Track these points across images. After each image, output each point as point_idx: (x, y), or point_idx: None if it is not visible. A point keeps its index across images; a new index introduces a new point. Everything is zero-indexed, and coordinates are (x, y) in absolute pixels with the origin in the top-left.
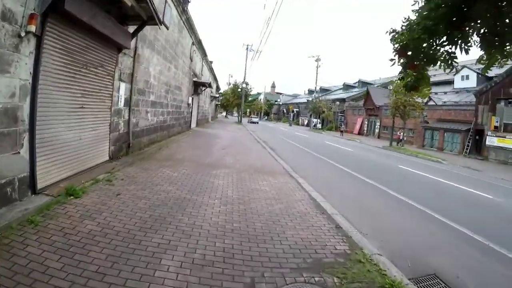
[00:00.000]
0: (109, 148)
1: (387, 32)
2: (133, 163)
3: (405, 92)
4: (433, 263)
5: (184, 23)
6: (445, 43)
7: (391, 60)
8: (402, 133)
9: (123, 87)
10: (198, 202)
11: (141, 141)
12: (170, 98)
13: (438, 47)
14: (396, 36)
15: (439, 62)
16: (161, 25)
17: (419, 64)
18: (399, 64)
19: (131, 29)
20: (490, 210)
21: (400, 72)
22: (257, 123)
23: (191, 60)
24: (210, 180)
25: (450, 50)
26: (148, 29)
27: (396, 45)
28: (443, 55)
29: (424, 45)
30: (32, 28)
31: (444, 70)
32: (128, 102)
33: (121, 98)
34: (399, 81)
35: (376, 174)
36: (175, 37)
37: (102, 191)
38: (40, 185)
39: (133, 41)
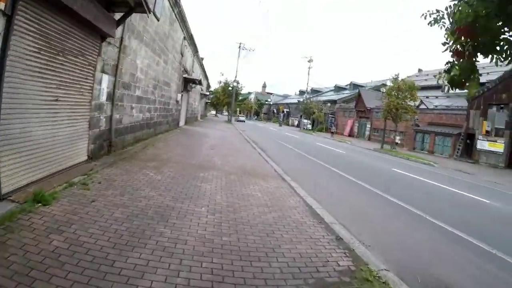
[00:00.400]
0: (88, 146)
1: (423, 15)
2: (114, 163)
3: (452, 86)
4: (442, 276)
5: (176, 16)
6: (505, 29)
7: (444, 44)
8: (396, 136)
9: (105, 80)
10: (183, 211)
11: (124, 139)
12: (158, 94)
13: (498, 32)
14: (458, 8)
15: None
16: (150, 13)
17: (472, 52)
18: (451, 50)
19: (118, 16)
20: (491, 216)
21: (447, 63)
22: (244, 121)
23: (182, 55)
24: (197, 184)
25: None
26: (137, 19)
27: (456, 21)
28: (501, 44)
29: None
30: (1, 5)
31: (496, 64)
32: (111, 96)
33: (103, 92)
34: (444, 73)
35: (371, 178)
36: (165, 30)
37: (75, 197)
38: (4, 189)
39: (119, 30)
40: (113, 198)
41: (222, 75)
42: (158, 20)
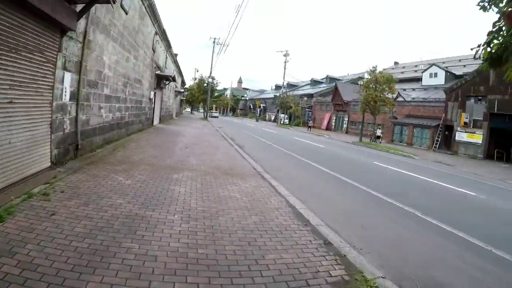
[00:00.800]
0: (51, 152)
1: None
2: (80, 168)
3: (487, 66)
4: (441, 279)
5: (146, 9)
6: None
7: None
8: (378, 129)
9: (68, 78)
10: (154, 220)
11: (93, 142)
12: (129, 92)
13: None
14: None
15: None
16: (115, 3)
17: None
18: (502, 14)
19: (80, 7)
20: (479, 210)
21: (489, 33)
22: (217, 117)
23: (154, 51)
24: (170, 188)
25: None
26: (102, 11)
27: None
28: None
29: None
30: None
31: None
32: (75, 96)
33: (65, 91)
34: (484, 46)
35: (352, 172)
36: (135, 24)
37: (33, 210)
38: None
39: (82, 23)
40: (75, 209)
41: (197, 71)
42: (126, 13)
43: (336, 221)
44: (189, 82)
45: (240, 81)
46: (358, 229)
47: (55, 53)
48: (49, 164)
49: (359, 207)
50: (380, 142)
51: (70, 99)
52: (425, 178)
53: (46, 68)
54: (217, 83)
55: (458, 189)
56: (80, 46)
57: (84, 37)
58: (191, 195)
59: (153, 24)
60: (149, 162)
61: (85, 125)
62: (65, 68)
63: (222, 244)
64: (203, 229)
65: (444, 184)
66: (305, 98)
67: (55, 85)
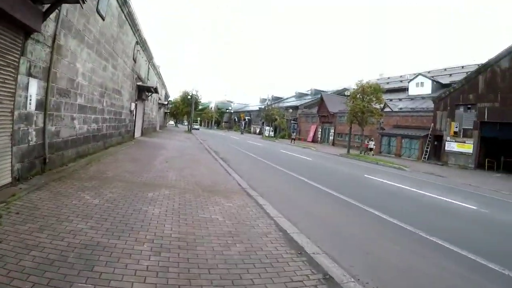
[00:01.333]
0: (12, 166)
1: None
2: (45, 185)
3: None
4: None
5: (126, 17)
6: None
7: None
8: (370, 141)
9: (34, 85)
10: (117, 252)
11: (64, 155)
12: (107, 102)
13: None
14: None
15: None
16: (84, 3)
17: None
18: None
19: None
20: (484, 226)
21: None
22: (198, 129)
23: (135, 62)
24: (143, 209)
25: None
26: (75, 15)
27: None
28: None
29: None
30: None
31: None
32: (43, 105)
33: (31, 99)
34: None
35: (344, 186)
36: (113, 32)
37: None
38: None
39: (52, 26)
40: (27, 236)
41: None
42: (103, 19)
43: (335, 246)
44: (173, 95)
45: (224, 94)
46: (361, 256)
47: (17, 56)
48: (10, 179)
49: (358, 228)
50: (373, 155)
51: (36, 108)
52: (422, 192)
53: (5, 73)
54: (201, 96)
55: (457, 202)
56: (48, 51)
57: (54, 41)
58: (166, 217)
59: (134, 33)
60: (124, 178)
61: (55, 137)
62: (30, 74)
63: (199, 284)
64: (177, 263)
65: (442, 198)
66: (290, 110)
67: (17, 92)
